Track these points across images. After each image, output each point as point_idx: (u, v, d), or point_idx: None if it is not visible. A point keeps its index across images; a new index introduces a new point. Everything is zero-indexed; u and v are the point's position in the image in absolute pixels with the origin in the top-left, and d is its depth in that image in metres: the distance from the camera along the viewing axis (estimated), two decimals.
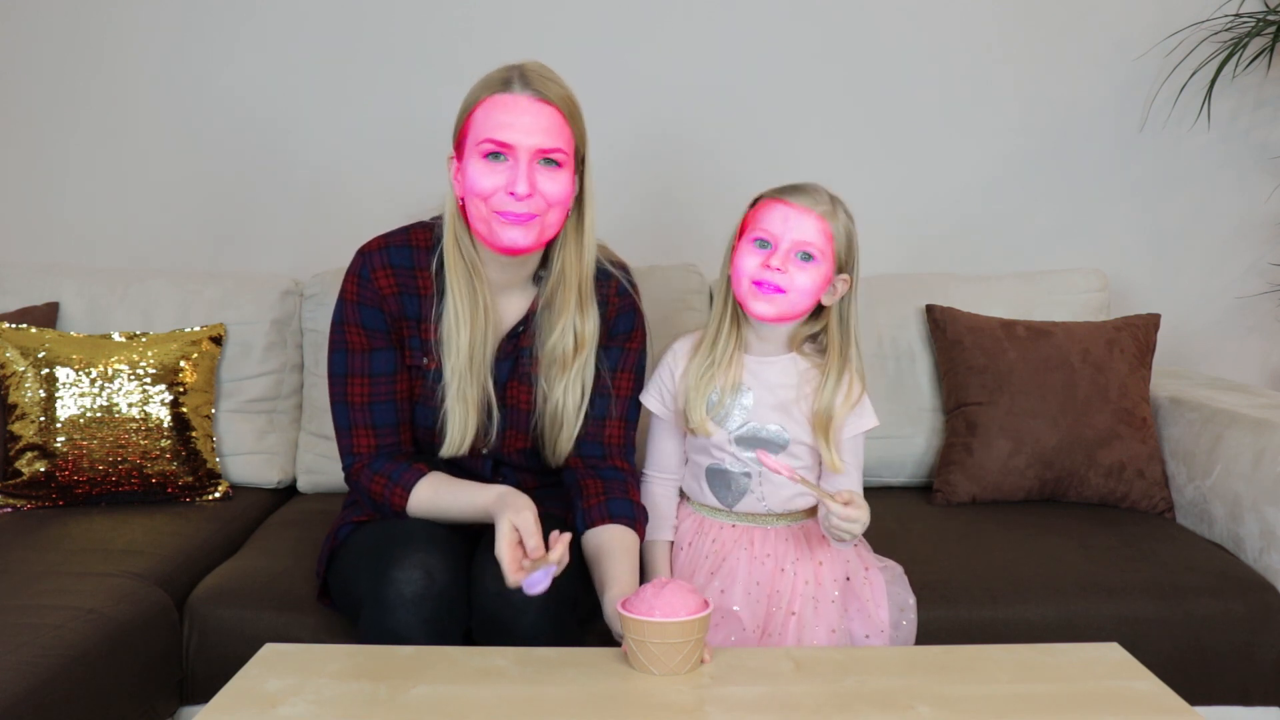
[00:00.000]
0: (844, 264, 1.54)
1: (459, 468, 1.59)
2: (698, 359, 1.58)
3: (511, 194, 1.42)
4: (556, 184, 1.45)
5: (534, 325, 1.57)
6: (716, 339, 1.58)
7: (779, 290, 1.49)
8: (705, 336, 1.59)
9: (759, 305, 1.51)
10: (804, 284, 1.50)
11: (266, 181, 2.50)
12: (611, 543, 1.49)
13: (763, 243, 1.50)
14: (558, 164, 1.45)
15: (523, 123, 1.42)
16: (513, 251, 1.48)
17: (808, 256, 1.50)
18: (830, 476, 1.57)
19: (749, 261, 1.51)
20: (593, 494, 1.55)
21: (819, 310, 1.57)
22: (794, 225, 1.49)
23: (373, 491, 1.54)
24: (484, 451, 1.59)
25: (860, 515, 1.42)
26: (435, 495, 1.51)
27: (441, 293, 1.54)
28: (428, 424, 1.57)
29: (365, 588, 1.42)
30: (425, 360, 1.55)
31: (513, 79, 1.45)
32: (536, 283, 1.58)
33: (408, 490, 1.51)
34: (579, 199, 1.54)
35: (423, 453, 1.61)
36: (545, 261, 1.57)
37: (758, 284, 1.50)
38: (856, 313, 1.58)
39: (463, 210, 1.51)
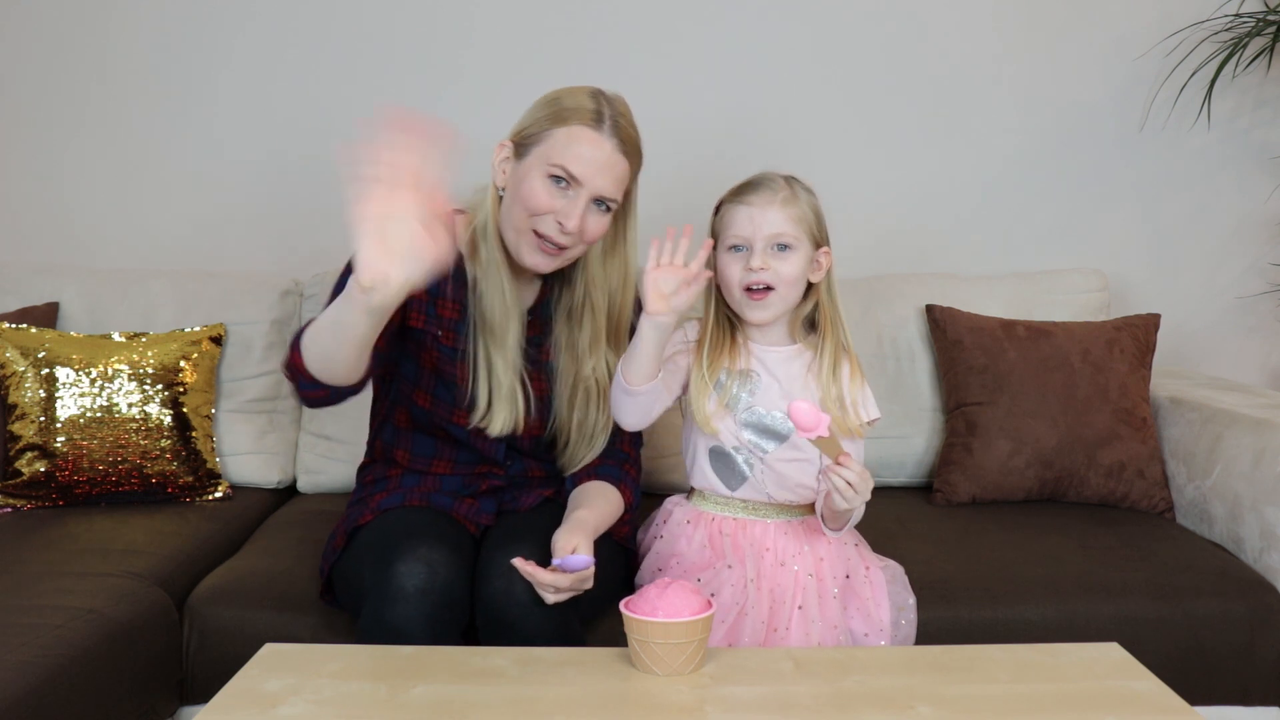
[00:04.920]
0: (820, 238, 1.57)
1: (473, 450, 1.61)
2: (701, 361, 1.59)
3: (559, 224, 1.48)
4: (599, 226, 1.52)
5: (550, 327, 1.61)
6: (712, 338, 1.60)
7: (769, 288, 1.53)
8: (702, 341, 1.61)
9: (755, 313, 1.56)
10: (789, 273, 1.54)
11: (267, 181, 2.50)
12: (588, 489, 1.56)
13: (737, 247, 1.55)
14: (607, 208, 1.51)
15: (599, 167, 1.47)
16: (531, 271, 1.55)
17: (784, 246, 1.53)
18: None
19: (732, 270, 1.55)
20: (588, 463, 1.61)
21: (808, 291, 1.60)
22: (760, 222, 1.52)
23: (291, 359, 1.41)
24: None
25: (862, 482, 1.41)
26: (320, 317, 1.38)
27: (466, 276, 1.56)
28: (449, 400, 1.57)
29: (369, 581, 1.42)
30: (440, 333, 1.56)
31: (605, 119, 1.48)
32: (540, 276, 1.62)
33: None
34: (618, 234, 1.58)
35: (430, 433, 1.62)
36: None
37: (748, 290, 1.54)
38: (836, 286, 1.61)
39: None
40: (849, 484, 1.40)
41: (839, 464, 1.41)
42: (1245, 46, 2.41)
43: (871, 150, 2.53)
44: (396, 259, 1.18)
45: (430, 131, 1.17)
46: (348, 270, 1.53)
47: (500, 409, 1.54)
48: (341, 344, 1.34)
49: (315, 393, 1.42)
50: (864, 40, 2.50)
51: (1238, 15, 2.43)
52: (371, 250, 1.18)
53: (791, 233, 1.53)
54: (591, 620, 1.55)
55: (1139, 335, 2.14)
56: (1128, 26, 2.50)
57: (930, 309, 2.21)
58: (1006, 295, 2.27)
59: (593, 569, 1.39)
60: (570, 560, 1.37)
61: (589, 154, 1.47)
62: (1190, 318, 2.58)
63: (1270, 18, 2.40)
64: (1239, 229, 2.57)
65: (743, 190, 1.56)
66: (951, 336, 2.15)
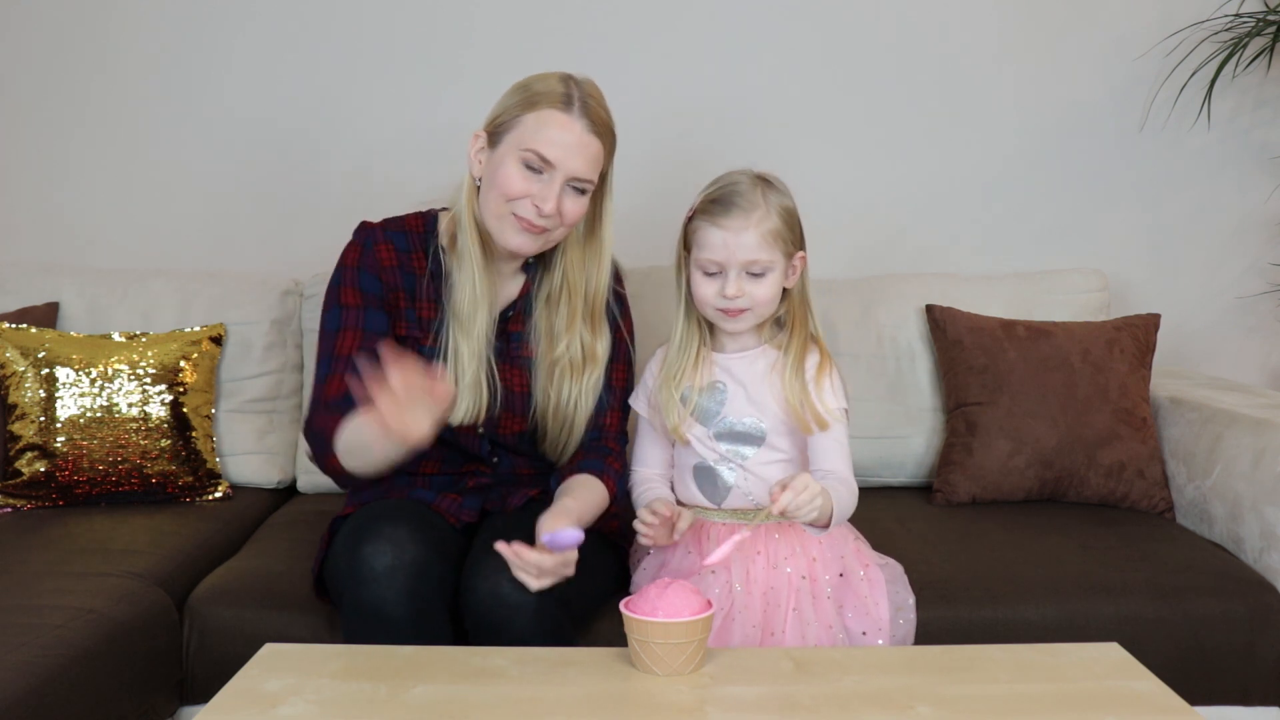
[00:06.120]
0: (794, 245, 1.56)
1: (456, 448, 1.61)
2: (665, 366, 1.62)
3: (536, 207, 1.49)
4: (577, 207, 1.53)
5: (529, 318, 1.62)
6: (681, 345, 1.61)
7: (744, 309, 1.54)
8: (671, 344, 1.63)
9: (731, 325, 1.57)
10: (764, 294, 1.54)
11: (267, 182, 2.50)
12: (572, 482, 1.56)
13: (711, 271, 1.54)
14: (583, 190, 1.53)
15: (570, 149, 1.49)
16: (515, 254, 1.56)
17: (758, 272, 1.53)
18: (813, 446, 1.56)
19: (705, 290, 1.55)
20: (572, 459, 1.62)
21: (783, 292, 1.60)
22: (734, 248, 1.52)
23: (314, 426, 1.48)
24: (480, 430, 1.60)
25: (800, 494, 1.38)
26: (356, 421, 1.40)
27: (443, 270, 1.58)
28: None
29: (342, 570, 1.43)
30: (420, 335, 1.57)
31: (574, 101, 1.50)
32: (524, 269, 1.63)
33: (342, 420, 1.43)
34: (595, 216, 1.60)
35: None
36: (541, 255, 1.61)
37: (722, 310, 1.55)
38: (810, 286, 1.61)
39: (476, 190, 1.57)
40: (797, 507, 1.38)
41: (772, 509, 1.39)
42: (1245, 46, 2.41)
43: (872, 150, 2.53)
44: (417, 422, 1.24)
45: (428, 389, 1.24)
46: (338, 266, 1.58)
47: (462, 397, 1.55)
48: (377, 464, 1.41)
49: (342, 476, 1.50)
50: (864, 40, 2.50)
51: (1238, 15, 2.43)
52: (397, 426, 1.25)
53: (766, 258, 1.52)
54: (585, 620, 1.55)
55: (1139, 335, 2.14)
56: (1128, 26, 2.50)
57: (930, 309, 2.21)
58: (1006, 295, 2.27)
59: (575, 552, 1.38)
60: (560, 535, 1.35)
61: (559, 137, 1.48)
62: (1190, 318, 2.58)
63: (1270, 18, 2.40)
64: (1239, 229, 2.57)
65: (714, 210, 1.53)
66: (951, 336, 2.15)
